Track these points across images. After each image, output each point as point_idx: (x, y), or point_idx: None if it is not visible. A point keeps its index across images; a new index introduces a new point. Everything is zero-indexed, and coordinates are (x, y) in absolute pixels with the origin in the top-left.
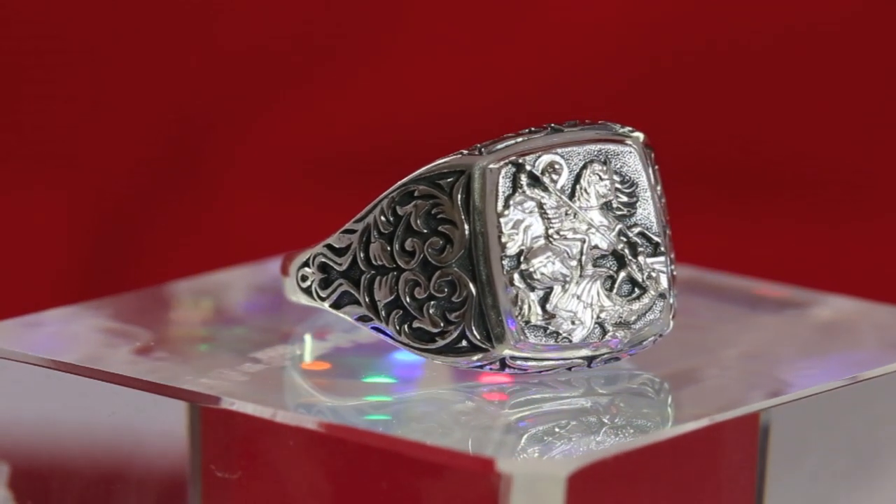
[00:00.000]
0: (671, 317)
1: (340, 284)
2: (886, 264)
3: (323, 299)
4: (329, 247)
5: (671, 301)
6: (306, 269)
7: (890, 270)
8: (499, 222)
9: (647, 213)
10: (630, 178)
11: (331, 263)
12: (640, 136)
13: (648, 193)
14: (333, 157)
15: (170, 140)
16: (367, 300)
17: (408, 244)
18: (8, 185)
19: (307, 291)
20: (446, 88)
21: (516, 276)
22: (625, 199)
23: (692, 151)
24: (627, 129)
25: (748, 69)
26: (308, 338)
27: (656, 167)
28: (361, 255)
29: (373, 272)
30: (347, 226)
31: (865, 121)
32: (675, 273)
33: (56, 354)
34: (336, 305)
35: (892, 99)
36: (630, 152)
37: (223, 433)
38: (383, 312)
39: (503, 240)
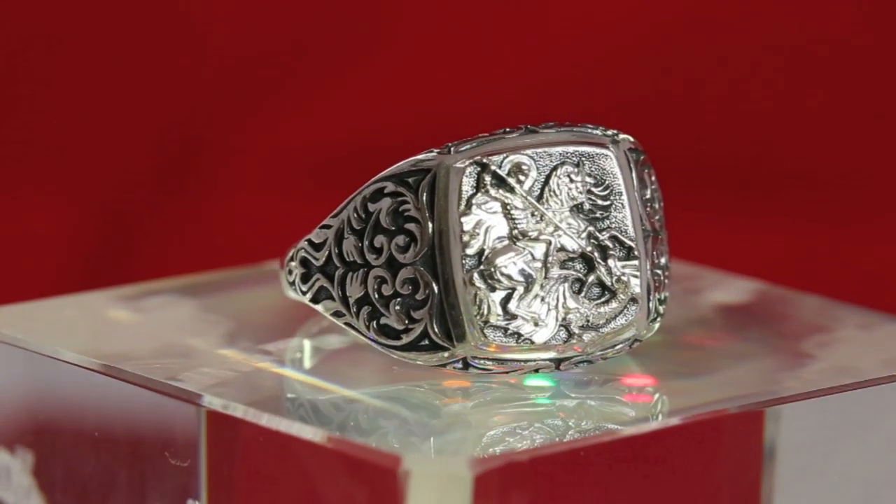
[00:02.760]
0: (649, 321)
1: (318, 279)
2: (886, 264)
3: (304, 293)
4: (309, 241)
5: (651, 306)
6: (292, 263)
7: (890, 270)
8: (460, 222)
9: (623, 216)
10: (605, 181)
11: (310, 258)
12: (627, 138)
13: (625, 197)
14: (333, 156)
15: (168, 141)
16: (339, 295)
17: (376, 241)
18: (9, 184)
19: (292, 285)
20: (444, 89)
21: (476, 275)
22: (598, 202)
23: (693, 152)
24: (612, 131)
25: (749, 70)
26: (307, 342)
27: (648, 170)
28: (335, 250)
29: (345, 268)
30: (325, 221)
31: (867, 121)
32: (662, 278)
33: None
34: (314, 300)
35: (892, 99)
36: (606, 155)
37: (225, 429)
38: (354, 308)
39: (464, 239)
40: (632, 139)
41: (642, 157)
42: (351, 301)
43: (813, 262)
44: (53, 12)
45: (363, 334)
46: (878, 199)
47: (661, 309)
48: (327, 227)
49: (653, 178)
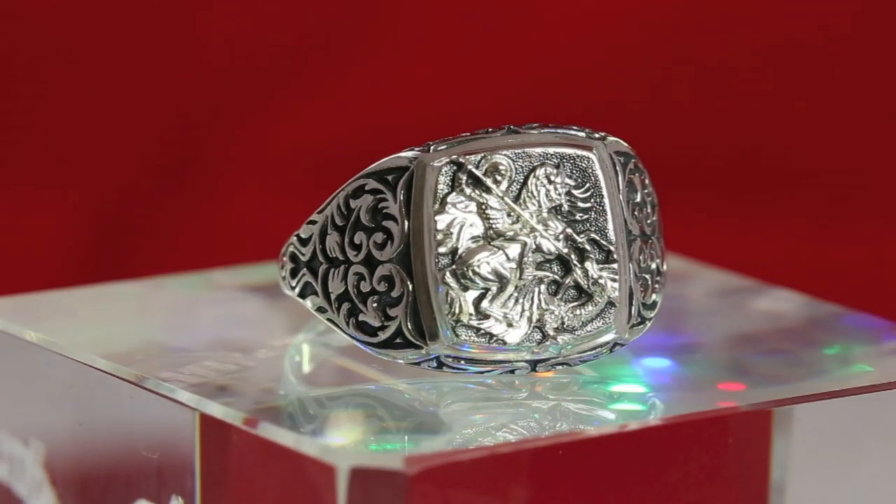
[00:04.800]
0: (630, 325)
1: (304, 275)
2: (885, 264)
3: (293, 288)
4: (298, 237)
5: (633, 310)
6: (284, 258)
7: (889, 271)
8: (434, 220)
9: (603, 220)
10: (586, 184)
11: (298, 253)
12: (617, 141)
13: (606, 200)
14: (335, 154)
15: (170, 139)
16: (322, 291)
17: (356, 238)
18: (9, 181)
19: (284, 280)
20: (445, 89)
21: (448, 274)
22: (578, 204)
23: (693, 152)
24: (601, 134)
25: (748, 70)
26: (306, 347)
27: (640, 175)
28: (319, 246)
29: (328, 264)
30: (312, 216)
31: (867, 121)
32: (650, 282)
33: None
34: (301, 295)
35: (892, 98)
36: (588, 158)
37: (215, 427)
38: (335, 304)
39: (438, 238)
40: (623, 142)
41: (633, 161)
42: (332, 297)
43: (812, 263)
44: (54, 11)
45: (343, 331)
46: (877, 199)
47: (647, 314)
48: (313, 222)
49: (646, 183)
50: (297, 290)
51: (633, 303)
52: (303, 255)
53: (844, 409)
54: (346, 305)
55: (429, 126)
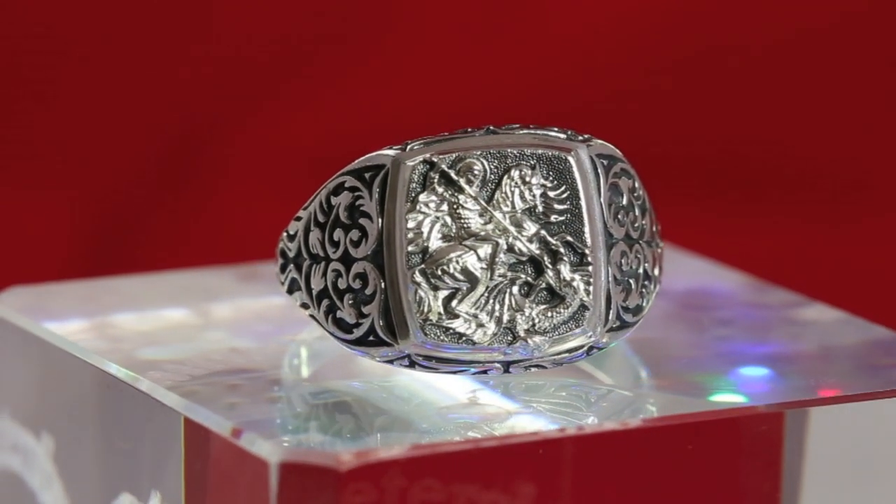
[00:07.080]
0: (607, 329)
1: (290, 270)
2: (886, 265)
3: (282, 284)
4: (286, 232)
5: (611, 314)
6: (277, 254)
7: (889, 271)
8: (405, 219)
9: (580, 222)
10: (563, 186)
11: (286, 249)
12: (602, 144)
13: (584, 203)
14: (336, 154)
15: (171, 138)
16: (306, 287)
17: (335, 234)
18: (10, 182)
19: (277, 276)
20: (446, 88)
21: (418, 273)
22: (554, 206)
23: (692, 152)
24: (585, 136)
25: (747, 68)
26: (304, 350)
27: (627, 178)
28: (303, 242)
29: (311, 260)
30: (298, 213)
31: (867, 120)
32: (634, 287)
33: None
34: (289, 291)
35: (893, 97)
36: (565, 160)
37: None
38: (316, 301)
39: (409, 237)
40: (610, 145)
41: (620, 165)
42: (314, 293)
43: (811, 263)
44: (55, 10)
45: (324, 327)
46: (877, 198)
47: (628, 318)
48: (298, 218)
49: (635, 186)
50: (286, 285)
51: (611, 306)
52: (290, 251)
53: (861, 413)
54: (325, 302)
55: (426, 126)
